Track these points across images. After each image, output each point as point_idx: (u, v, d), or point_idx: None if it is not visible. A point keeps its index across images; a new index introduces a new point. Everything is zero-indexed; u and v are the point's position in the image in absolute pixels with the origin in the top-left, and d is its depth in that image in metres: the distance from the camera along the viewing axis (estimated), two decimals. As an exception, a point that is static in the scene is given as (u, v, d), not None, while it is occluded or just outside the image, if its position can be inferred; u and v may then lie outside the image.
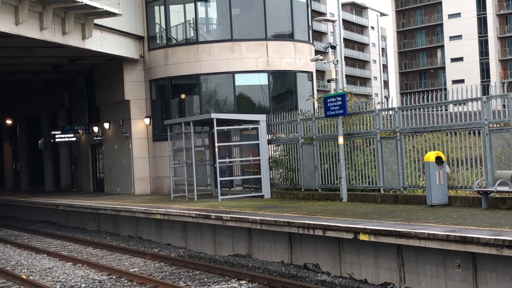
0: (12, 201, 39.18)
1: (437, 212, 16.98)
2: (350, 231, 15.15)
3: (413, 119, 20.04)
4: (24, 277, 17.72)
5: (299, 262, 17.40)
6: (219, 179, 25.11)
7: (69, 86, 42.77)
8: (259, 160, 25.48)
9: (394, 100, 21.69)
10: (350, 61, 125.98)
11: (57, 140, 42.35)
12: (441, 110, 19.32)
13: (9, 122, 53.92)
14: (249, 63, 31.20)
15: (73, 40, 28.46)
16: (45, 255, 22.12)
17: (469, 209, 17.32)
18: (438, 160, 18.29)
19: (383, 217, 16.47)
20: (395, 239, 14.06)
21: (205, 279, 16.37)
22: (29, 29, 25.89)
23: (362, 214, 17.62)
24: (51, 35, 27.12)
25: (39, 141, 47.13)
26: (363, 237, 14.81)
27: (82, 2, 26.29)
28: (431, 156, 18.32)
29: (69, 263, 20.10)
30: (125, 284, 16.38)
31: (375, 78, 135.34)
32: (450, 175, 18.70)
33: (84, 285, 16.47)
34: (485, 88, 20.28)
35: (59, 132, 41.95)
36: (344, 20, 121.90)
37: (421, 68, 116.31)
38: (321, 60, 23.85)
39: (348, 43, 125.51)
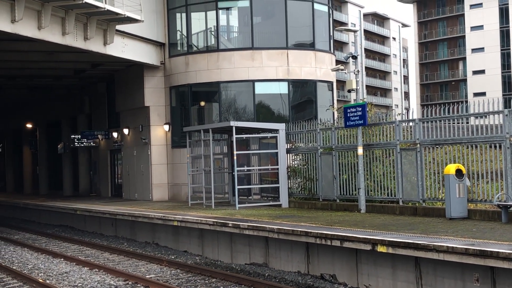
0: (31, 204, 39.37)
1: (456, 225, 16.83)
2: (368, 243, 15.04)
3: (433, 131, 19.90)
4: (40, 280, 17.75)
5: (316, 272, 17.30)
6: (237, 187, 25.07)
7: (89, 91, 42.98)
8: (277, 169, 25.41)
9: (415, 112, 21.57)
10: (371, 72, 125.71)
11: (76, 145, 42.55)
12: (462, 123, 19.16)
13: (29, 126, 54.26)
14: (269, 71, 31.18)
15: (95, 45, 28.60)
16: (62, 259, 22.17)
17: (488, 223, 17.15)
18: (458, 172, 18.14)
19: (402, 229, 16.35)
20: (413, 252, 13.93)
21: (221, 287, 16.32)
22: (51, 34, 26.05)
23: (380, 225, 17.50)
24: (73, 40, 27.27)
25: (59, 146, 47.38)
26: (381, 248, 14.69)
27: (105, 8, 26.42)
28: (451, 168, 18.17)
29: (86, 267, 20.12)
30: (141, 290, 16.36)
31: (396, 89, 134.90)
32: (470, 188, 18.53)
33: (100, 290, 16.46)
34: (507, 102, 20.15)
35: (79, 137, 42.16)
36: (365, 31, 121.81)
37: (442, 80, 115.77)
38: (342, 70, 23.78)
39: (369, 53, 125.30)
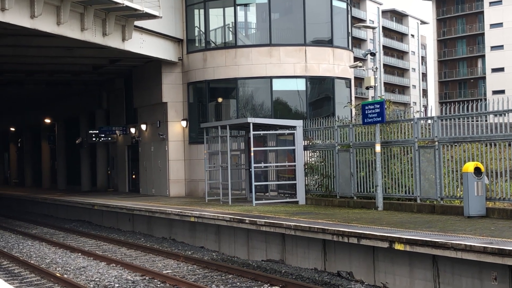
0: (49, 199, 39.60)
1: (474, 223, 16.73)
2: (385, 240, 14.99)
3: (452, 128, 19.79)
4: (58, 275, 17.85)
5: (333, 269, 17.26)
6: (253, 183, 25.07)
7: (107, 87, 43.14)
8: (294, 165, 25.38)
9: (433, 109, 21.45)
10: (389, 69, 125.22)
11: (94, 140, 42.72)
12: (481, 121, 19.04)
13: (47, 121, 54.57)
14: (287, 68, 31.14)
15: (113, 41, 28.68)
16: (79, 254, 22.28)
17: (507, 221, 17.04)
18: (477, 171, 18.02)
19: (419, 227, 16.28)
20: (431, 250, 13.87)
21: (238, 283, 16.33)
22: (70, 30, 26.16)
23: (398, 223, 17.43)
24: (92, 36, 27.36)
25: (77, 140, 47.62)
26: (398, 246, 14.64)
27: (123, 4, 26.48)
28: (469, 166, 18.06)
29: (103, 262, 20.21)
30: (158, 285, 16.41)
31: (414, 86, 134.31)
32: (489, 187, 18.41)
33: (117, 285, 16.53)
34: (527, 99, 19.91)
35: (97, 132, 42.33)
36: (384, 28, 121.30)
37: (461, 77, 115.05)
38: (360, 67, 23.69)
39: (388, 50, 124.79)
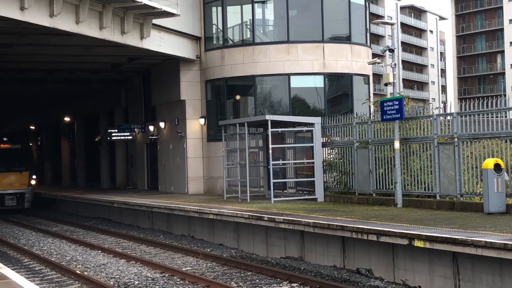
0: (69, 197, 39.84)
1: (495, 220, 16.64)
2: (405, 237, 14.94)
3: (471, 125, 19.68)
4: (78, 272, 17.97)
5: (352, 266, 17.24)
6: (272, 181, 25.07)
7: (126, 85, 43.31)
8: (313, 163, 25.35)
9: (452, 106, 21.34)
10: (408, 65, 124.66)
11: (113, 138, 42.91)
12: (501, 117, 18.92)
13: (67, 119, 54.87)
14: (305, 65, 31.08)
15: (132, 39, 28.78)
16: (99, 251, 22.39)
17: (527, 218, 16.93)
18: (497, 167, 17.92)
19: (439, 224, 16.21)
20: (450, 247, 13.82)
21: (257, 281, 16.35)
22: (89, 28, 26.28)
23: (417, 220, 17.37)
24: (110, 34, 27.47)
25: (96, 138, 47.86)
26: (418, 243, 14.59)
27: (141, 2, 26.57)
28: (489, 163, 17.96)
29: (123, 260, 20.30)
30: (178, 282, 16.47)
31: (433, 82, 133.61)
32: (509, 183, 18.30)
33: (137, 282, 16.61)
34: (547, 95, 19.76)
35: (116, 131, 42.48)
36: (402, 24, 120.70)
37: (480, 73, 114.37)
38: (379, 63, 23.60)
39: (406, 46, 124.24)
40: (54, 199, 43.11)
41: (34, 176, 40.51)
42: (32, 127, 65.91)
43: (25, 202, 39.88)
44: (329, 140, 25.87)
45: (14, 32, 28.23)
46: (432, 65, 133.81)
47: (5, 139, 41.22)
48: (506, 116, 18.93)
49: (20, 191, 39.71)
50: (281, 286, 15.65)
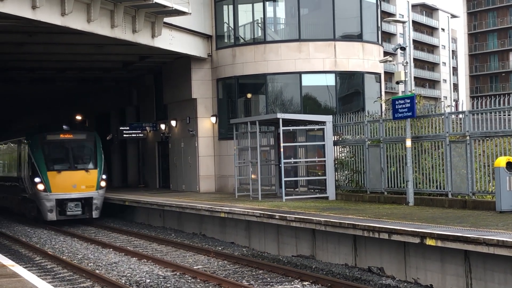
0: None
1: (507, 218, 16.57)
2: (417, 236, 14.90)
3: (483, 123, 19.60)
4: (90, 270, 18.00)
5: (363, 265, 17.21)
6: (283, 179, 25.06)
7: (137, 84, 43.38)
8: (324, 161, 25.32)
9: (464, 104, 21.22)
10: (419, 63, 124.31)
11: (125, 136, 43.00)
12: (513, 115, 18.84)
13: (79, 117, 55.01)
14: (316, 63, 31.05)
15: (143, 38, 28.83)
16: (111, 249, 22.45)
17: (540, 216, 16.85)
18: (509, 165, 17.85)
19: (451, 222, 16.16)
20: (462, 245, 13.76)
21: (268, 279, 16.34)
22: (100, 27, 26.34)
23: (429, 218, 17.32)
24: (122, 33, 27.52)
25: (108, 137, 47.96)
26: (429, 242, 14.54)
27: (153, 1, 26.60)
28: (501, 161, 17.89)
29: (134, 258, 20.35)
30: (189, 281, 16.48)
31: (445, 80, 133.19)
32: (521, 181, 18.21)
33: (148, 280, 16.64)
34: (560, 93, 19.66)
35: (127, 129, 42.58)
36: (414, 22, 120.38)
37: (492, 71, 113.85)
38: (390, 61, 23.57)
39: (418, 44, 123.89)
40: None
41: (104, 176, 31.57)
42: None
43: (93, 209, 30.85)
44: (340, 139, 25.83)
45: (26, 31, 28.33)
46: (444, 63, 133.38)
47: (65, 127, 32.55)
48: (518, 114, 18.84)
49: (86, 195, 30.73)
50: (292, 285, 15.64)
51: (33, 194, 30.69)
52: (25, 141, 31.99)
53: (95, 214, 30.86)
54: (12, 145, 35.54)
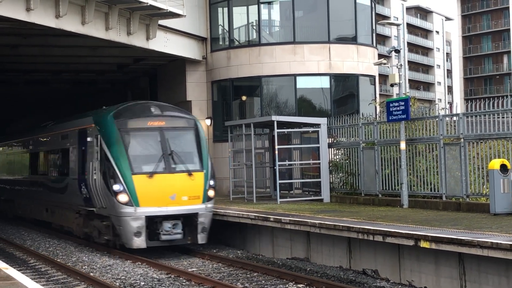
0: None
1: (501, 221, 16.59)
2: (411, 238, 14.91)
3: (477, 125, 19.64)
4: (84, 273, 17.97)
5: (358, 267, 17.22)
6: (278, 181, 25.05)
7: (132, 86, 43.33)
8: (319, 163, 25.33)
9: (458, 106, 21.29)
10: (414, 66, 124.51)
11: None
12: (507, 117, 18.87)
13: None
14: (311, 66, 31.08)
15: (138, 40, 28.82)
16: (105, 252, 22.39)
17: (534, 219, 16.89)
18: (503, 168, 17.88)
19: (445, 225, 16.18)
20: (456, 247, 13.78)
21: (263, 282, 16.34)
22: (95, 29, 26.32)
23: (423, 221, 17.33)
24: (116, 35, 27.51)
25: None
26: (424, 244, 14.56)
27: (147, 3, 26.60)
28: (495, 163, 17.92)
29: (128, 261, 20.30)
30: (184, 283, 16.47)
31: (439, 83, 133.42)
32: (515, 184, 18.24)
33: (143, 283, 16.62)
34: (554, 95, 19.71)
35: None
36: (408, 24, 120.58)
37: (486, 74, 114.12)
38: (385, 64, 23.58)
39: (412, 47, 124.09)
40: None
41: (211, 182, 21.67)
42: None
43: (198, 231, 20.87)
44: (335, 141, 25.85)
45: (20, 33, 28.29)
46: (438, 66, 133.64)
47: (153, 109, 22.02)
48: (512, 117, 18.88)
49: (189, 210, 20.78)
50: (287, 287, 15.64)
51: (108, 209, 21.01)
52: (91, 128, 22.35)
53: (200, 238, 20.95)
54: (64, 134, 26.12)
